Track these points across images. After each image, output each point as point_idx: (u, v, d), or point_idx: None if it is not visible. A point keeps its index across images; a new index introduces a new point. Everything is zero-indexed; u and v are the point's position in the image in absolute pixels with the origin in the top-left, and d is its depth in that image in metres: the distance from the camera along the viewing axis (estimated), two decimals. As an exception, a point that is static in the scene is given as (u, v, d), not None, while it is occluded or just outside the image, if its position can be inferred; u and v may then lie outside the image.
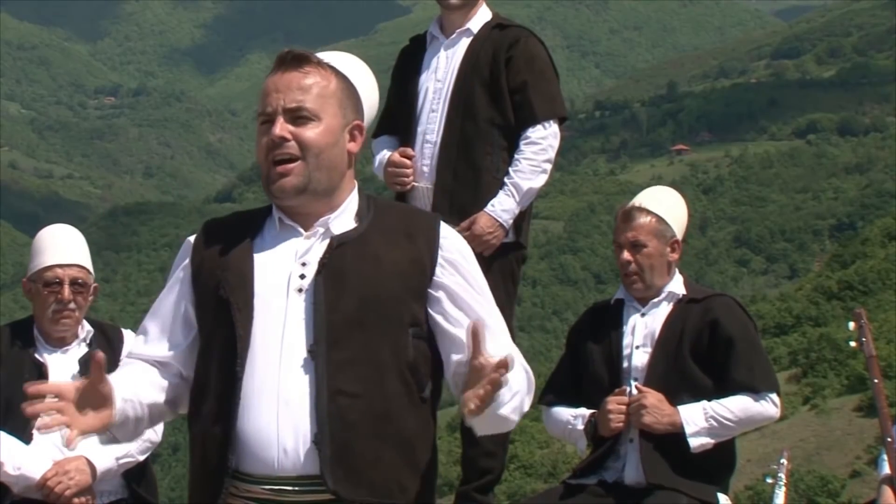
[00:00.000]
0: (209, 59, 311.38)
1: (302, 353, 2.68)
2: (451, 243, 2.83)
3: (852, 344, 4.64)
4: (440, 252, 2.80)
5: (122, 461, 4.24)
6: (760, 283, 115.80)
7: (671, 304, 4.16)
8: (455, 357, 2.78)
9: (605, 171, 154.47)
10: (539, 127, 4.56)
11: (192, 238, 2.89)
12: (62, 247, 4.33)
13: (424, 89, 4.64)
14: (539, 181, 4.57)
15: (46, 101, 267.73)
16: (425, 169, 4.59)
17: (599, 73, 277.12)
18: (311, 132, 2.73)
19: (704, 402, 4.04)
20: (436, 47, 4.70)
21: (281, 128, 2.73)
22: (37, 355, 4.26)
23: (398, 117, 4.71)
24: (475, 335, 2.59)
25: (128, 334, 4.45)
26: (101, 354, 2.64)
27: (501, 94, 4.56)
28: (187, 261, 2.86)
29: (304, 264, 2.74)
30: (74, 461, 4.15)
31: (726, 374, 4.06)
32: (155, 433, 4.33)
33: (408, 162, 4.59)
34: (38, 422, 2.52)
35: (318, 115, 2.74)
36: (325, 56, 3.00)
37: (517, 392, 2.74)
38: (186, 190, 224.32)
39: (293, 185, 2.74)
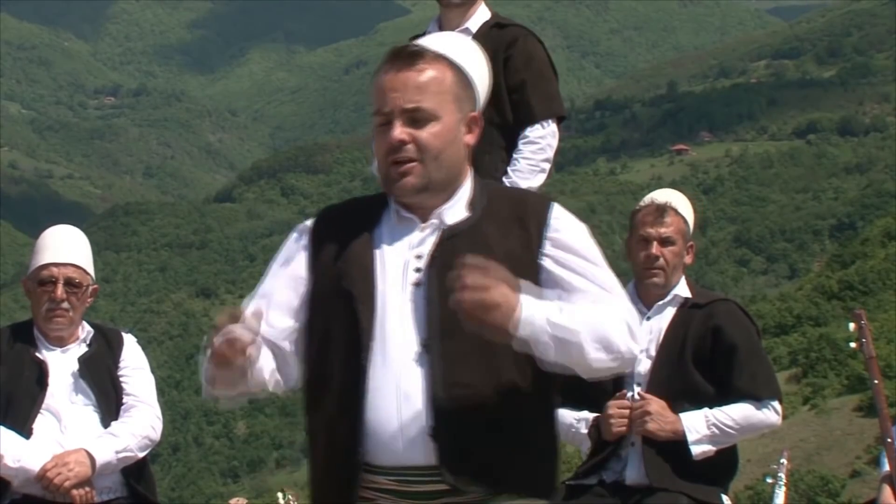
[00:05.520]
0: (209, 59, 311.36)
1: (418, 346, 2.69)
2: (562, 223, 2.80)
3: (852, 345, 4.65)
4: (548, 232, 2.77)
5: (121, 455, 4.25)
6: (760, 283, 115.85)
7: (676, 307, 4.17)
8: None
9: (605, 170, 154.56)
10: (538, 126, 4.55)
11: (308, 223, 2.87)
12: (60, 246, 4.33)
13: (423, 88, 4.63)
14: (538, 180, 4.56)
15: (46, 101, 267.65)
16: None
17: (599, 73, 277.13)
18: (429, 134, 2.72)
19: (706, 410, 4.05)
20: (434, 47, 4.69)
21: (400, 131, 2.71)
22: (37, 354, 4.27)
23: None
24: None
25: (128, 338, 4.45)
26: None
27: (500, 94, 4.54)
28: (304, 243, 2.84)
29: (418, 257, 2.75)
30: (74, 454, 4.17)
31: (728, 381, 4.07)
32: (154, 431, 4.35)
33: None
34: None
35: (435, 114, 2.72)
36: (434, 43, 2.97)
37: (582, 317, 2.67)
38: (186, 190, 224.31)
39: (413, 185, 2.73)
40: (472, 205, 2.79)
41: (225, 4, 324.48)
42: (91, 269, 4.38)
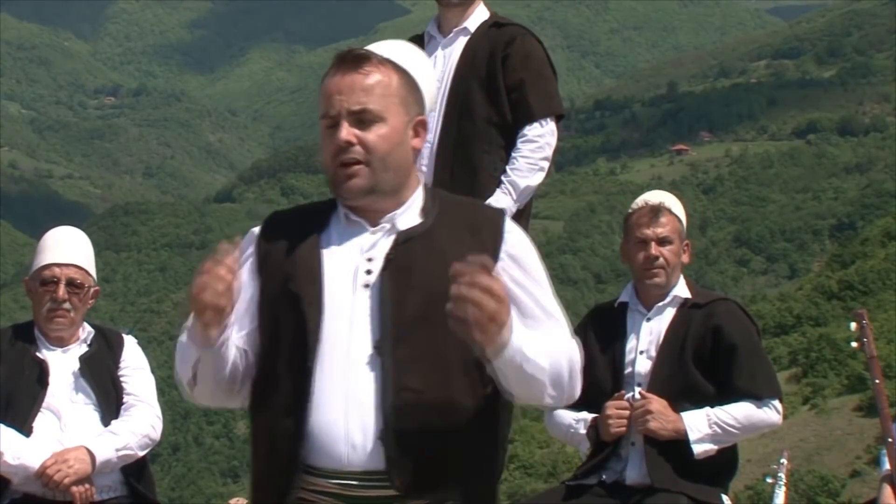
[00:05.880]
0: (209, 58, 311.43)
1: (368, 349, 2.69)
2: (515, 238, 2.81)
3: (854, 344, 4.64)
4: (504, 246, 2.78)
5: (121, 453, 4.26)
6: (760, 283, 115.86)
7: (675, 308, 4.17)
8: None
9: (605, 170, 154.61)
10: (536, 125, 4.55)
11: (255, 229, 2.88)
12: (63, 247, 4.35)
13: (422, 88, 4.62)
14: (536, 179, 4.56)
15: (46, 101, 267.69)
16: (423, 169, 4.58)
17: (599, 73, 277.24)
18: (375, 135, 2.73)
19: (707, 409, 4.05)
20: (433, 46, 4.69)
21: (346, 132, 2.72)
22: (38, 353, 4.29)
23: None
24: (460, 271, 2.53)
25: (128, 339, 4.46)
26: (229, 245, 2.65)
27: (498, 93, 4.55)
28: (252, 250, 2.84)
29: (370, 260, 2.75)
30: (74, 451, 4.18)
31: (729, 380, 4.07)
32: (154, 430, 4.36)
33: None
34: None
35: (382, 116, 2.74)
36: (381, 49, 3.01)
37: (546, 352, 2.67)
38: (186, 190, 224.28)
39: (360, 187, 2.74)
40: (425, 212, 2.80)
41: (225, 4, 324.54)
42: (93, 271, 4.40)
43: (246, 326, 2.82)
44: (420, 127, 2.83)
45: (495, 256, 2.76)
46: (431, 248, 2.73)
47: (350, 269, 2.75)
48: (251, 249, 2.84)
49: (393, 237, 2.76)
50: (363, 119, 2.73)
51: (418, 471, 2.65)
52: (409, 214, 2.79)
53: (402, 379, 2.66)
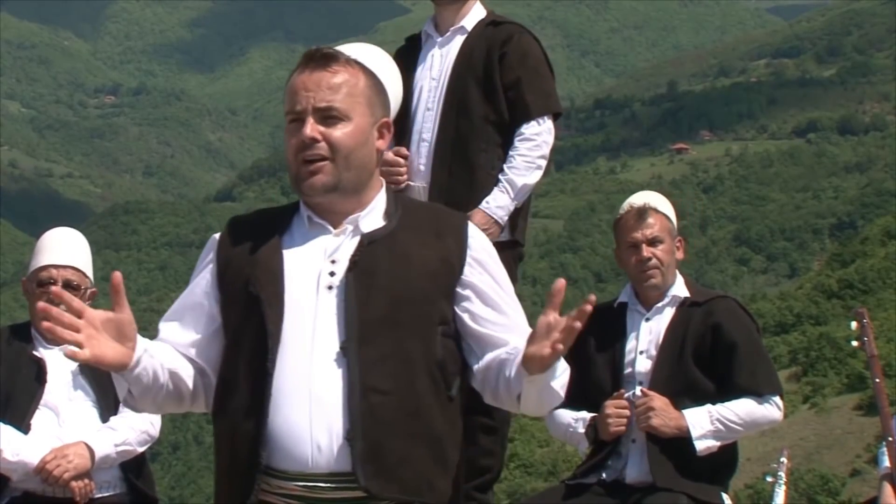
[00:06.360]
0: (209, 57, 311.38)
1: (333, 350, 2.68)
2: (479, 242, 2.85)
3: (854, 343, 4.64)
4: (469, 251, 2.81)
5: (120, 448, 4.27)
6: (760, 282, 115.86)
7: (675, 307, 4.17)
8: (490, 355, 2.80)
9: (605, 169, 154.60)
10: (533, 123, 4.54)
11: (217, 235, 2.88)
12: (60, 248, 4.36)
13: (419, 88, 4.62)
14: (533, 177, 4.55)
15: (46, 101, 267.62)
16: (422, 167, 4.58)
17: (599, 72, 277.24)
18: (341, 133, 2.74)
19: (709, 406, 4.05)
20: (430, 45, 4.69)
21: (311, 128, 2.73)
22: (35, 352, 4.30)
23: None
24: (557, 293, 2.61)
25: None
26: (118, 274, 2.64)
27: (495, 91, 4.54)
28: (212, 256, 2.85)
29: (333, 262, 2.75)
30: (73, 446, 4.19)
31: (729, 378, 4.07)
32: (153, 426, 4.37)
33: (402, 161, 4.57)
34: (46, 325, 2.57)
35: (347, 114, 2.75)
36: (350, 50, 3.04)
37: (566, 370, 2.73)
38: (186, 189, 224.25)
39: (323, 184, 2.74)
40: (388, 214, 2.81)
41: (225, 3, 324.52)
42: (90, 272, 4.39)
43: (201, 331, 2.82)
44: (384, 129, 2.83)
45: (461, 261, 2.79)
46: (395, 251, 2.74)
47: (313, 271, 2.74)
48: (211, 256, 2.85)
49: (357, 239, 2.76)
50: (329, 116, 2.74)
51: (385, 471, 2.65)
52: (373, 217, 2.80)
53: (368, 379, 2.66)
